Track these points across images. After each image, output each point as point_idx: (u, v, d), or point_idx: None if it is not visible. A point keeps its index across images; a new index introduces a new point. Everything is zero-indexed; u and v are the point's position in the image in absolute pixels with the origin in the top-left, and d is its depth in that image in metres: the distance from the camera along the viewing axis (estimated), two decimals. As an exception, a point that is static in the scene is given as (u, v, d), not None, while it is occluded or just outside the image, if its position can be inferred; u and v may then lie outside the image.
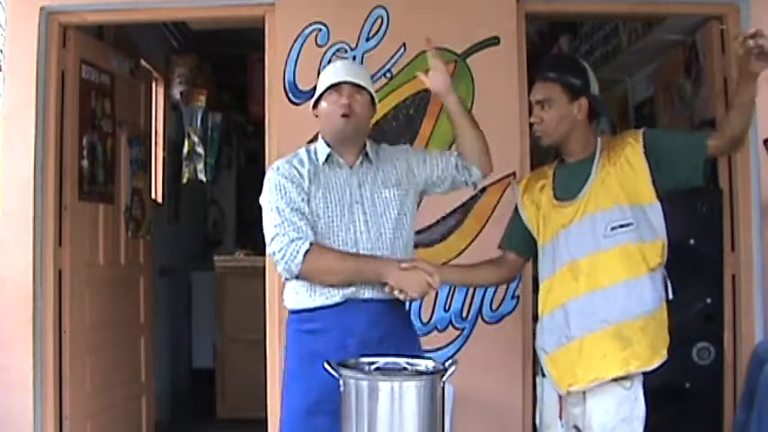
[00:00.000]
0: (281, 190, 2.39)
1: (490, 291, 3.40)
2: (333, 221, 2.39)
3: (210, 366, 5.60)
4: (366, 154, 2.48)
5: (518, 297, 3.40)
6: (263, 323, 3.47)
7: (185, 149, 5.56)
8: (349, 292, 2.36)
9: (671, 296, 2.39)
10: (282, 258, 2.33)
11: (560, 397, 2.43)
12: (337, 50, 3.46)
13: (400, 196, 2.47)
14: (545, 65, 2.52)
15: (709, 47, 3.73)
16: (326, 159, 2.45)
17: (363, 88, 2.45)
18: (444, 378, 1.95)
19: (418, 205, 2.60)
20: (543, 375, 2.51)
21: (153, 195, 4.84)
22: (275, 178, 2.42)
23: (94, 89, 3.89)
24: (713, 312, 3.54)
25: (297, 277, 2.36)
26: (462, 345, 3.39)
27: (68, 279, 3.62)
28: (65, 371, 3.57)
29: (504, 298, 3.40)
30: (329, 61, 3.44)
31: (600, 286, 2.34)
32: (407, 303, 2.50)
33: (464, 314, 3.40)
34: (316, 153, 2.48)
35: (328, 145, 2.46)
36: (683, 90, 4.19)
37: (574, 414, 2.40)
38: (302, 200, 2.38)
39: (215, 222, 7.09)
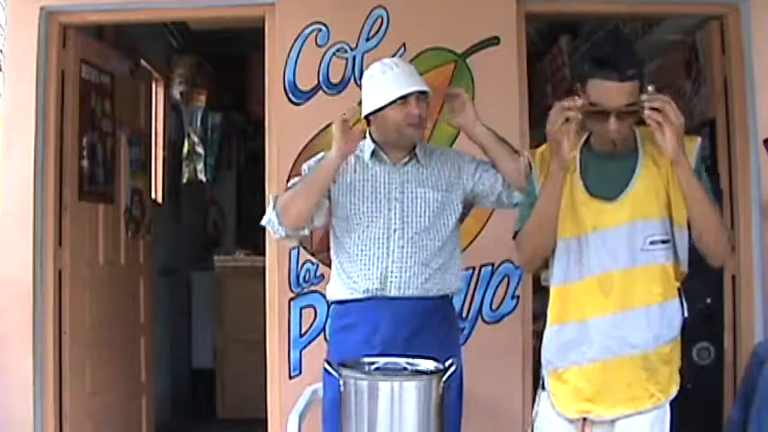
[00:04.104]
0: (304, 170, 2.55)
1: (490, 291, 3.40)
2: (366, 215, 2.44)
3: (210, 366, 5.60)
4: (415, 154, 2.49)
5: (518, 297, 3.40)
6: (263, 323, 3.48)
7: (185, 149, 5.56)
8: (373, 288, 2.41)
9: (686, 314, 2.19)
10: (269, 219, 2.45)
11: (585, 419, 2.17)
12: (337, 50, 3.46)
13: (442, 198, 2.47)
14: (620, 59, 2.07)
15: (709, 47, 3.73)
16: (372, 155, 2.49)
17: (425, 92, 2.45)
18: (444, 378, 1.95)
19: (465, 216, 2.60)
20: (544, 388, 2.26)
21: (153, 195, 4.84)
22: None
23: (94, 89, 3.89)
24: (713, 312, 3.54)
25: (287, 228, 2.42)
26: (462, 345, 3.38)
27: (68, 279, 3.62)
28: (65, 371, 3.56)
29: (504, 298, 3.40)
30: (329, 61, 3.44)
31: (632, 306, 2.10)
32: (451, 297, 2.55)
33: (464, 314, 3.39)
34: (362, 148, 2.53)
35: (375, 142, 2.49)
36: (682, 90, 4.19)
37: None
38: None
39: (215, 222, 7.08)
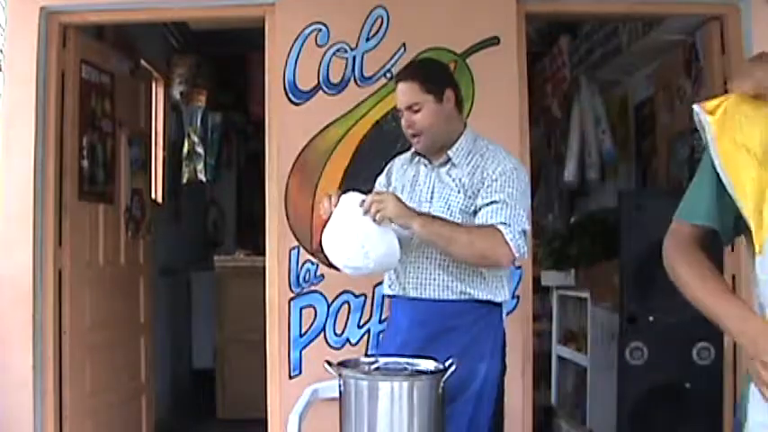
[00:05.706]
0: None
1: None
2: None
3: (210, 366, 5.60)
4: (449, 157, 2.45)
5: (518, 297, 3.40)
6: (263, 323, 3.47)
7: (185, 149, 5.56)
8: (396, 286, 2.47)
9: None
10: None
11: None
12: (337, 50, 3.45)
13: (464, 202, 2.40)
14: None
15: (709, 47, 3.73)
16: (413, 157, 2.57)
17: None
18: (444, 378, 1.95)
19: None
20: None
21: (153, 195, 4.84)
22: None
23: (94, 89, 3.89)
24: (714, 312, 3.51)
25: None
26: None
27: (68, 279, 3.62)
28: (65, 371, 3.56)
29: (504, 298, 3.39)
30: (329, 61, 3.45)
31: None
32: (493, 302, 2.41)
33: (464, 314, 3.39)
34: None
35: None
36: (682, 90, 4.19)
37: None
38: (382, 185, 2.61)
39: (215, 222, 7.09)
